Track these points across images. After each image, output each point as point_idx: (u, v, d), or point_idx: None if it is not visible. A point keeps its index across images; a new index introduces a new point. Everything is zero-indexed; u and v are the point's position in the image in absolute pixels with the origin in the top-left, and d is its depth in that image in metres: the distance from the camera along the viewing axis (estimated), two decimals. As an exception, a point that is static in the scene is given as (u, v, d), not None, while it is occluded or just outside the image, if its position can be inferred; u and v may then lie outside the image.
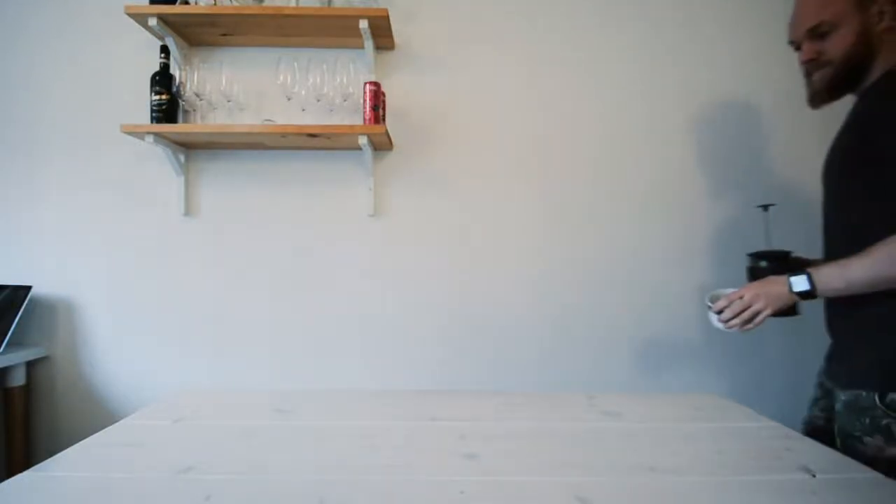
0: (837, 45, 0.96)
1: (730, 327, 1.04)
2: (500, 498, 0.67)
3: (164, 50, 1.57)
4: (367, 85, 1.53)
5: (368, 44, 1.59)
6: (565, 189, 1.71)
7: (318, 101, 1.55)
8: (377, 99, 1.53)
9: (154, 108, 1.54)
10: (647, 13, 1.72)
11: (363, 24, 1.50)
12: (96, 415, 1.65)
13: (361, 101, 1.53)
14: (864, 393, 0.91)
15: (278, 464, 0.77)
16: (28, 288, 1.59)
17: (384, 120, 1.57)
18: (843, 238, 0.98)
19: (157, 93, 1.54)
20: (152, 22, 1.49)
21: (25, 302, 1.57)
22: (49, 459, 0.78)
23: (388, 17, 1.51)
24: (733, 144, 1.71)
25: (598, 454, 0.82)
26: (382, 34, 1.59)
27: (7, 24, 1.67)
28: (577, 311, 1.70)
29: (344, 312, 1.69)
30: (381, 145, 1.65)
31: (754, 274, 1.22)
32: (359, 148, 1.57)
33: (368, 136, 1.52)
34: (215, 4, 1.54)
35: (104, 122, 1.64)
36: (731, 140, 1.71)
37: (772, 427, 0.96)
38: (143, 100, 1.60)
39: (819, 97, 1.02)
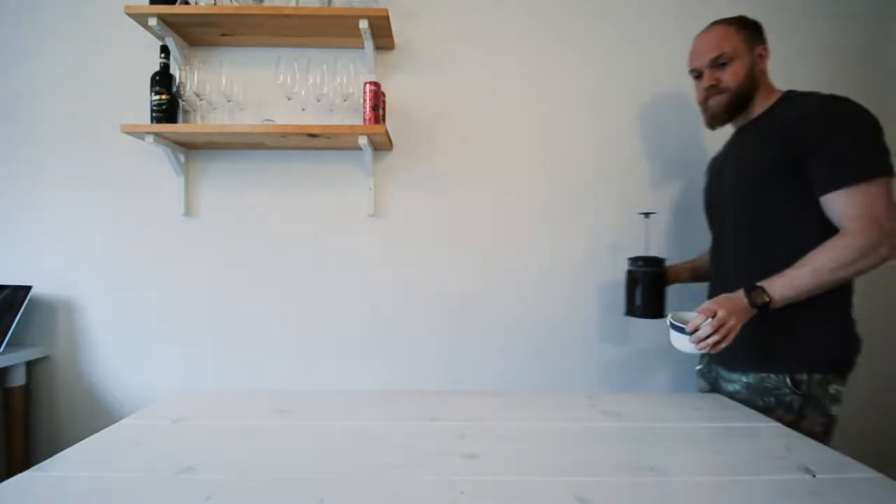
0: (733, 76, 1.14)
1: (702, 347, 1.01)
2: (500, 498, 0.67)
3: (164, 50, 1.57)
4: (367, 85, 1.53)
5: (368, 44, 1.59)
6: (566, 189, 1.71)
7: (318, 101, 1.55)
8: (377, 99, 1.53)
9: (154, 108, 1.54)
10: (648, 13, 1.71)
11: (363, 24, 1.50)
12: (96, 415, 1.66)
13: (361, 101, 1.53)
14: (772, 375, 1.06)
15: (278, 464, 0.77)
16: (28, 288, 1.59)
17: (384, 120, 1.57)
18: (767, 242, 1.10)
19: (157, 93, 1.54)
20: (152, 22, 1.49)
21: (25, 302, 1.57)
22: (49, 459, 0.78)
23: (388, 17, 1.51)
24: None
25: (598, 454, 0.82)
26: (382, 34, 1.59)
27: (7, 24, 1.67)
28: (576, 310, 1.70)
29: (344, 312, 1.69)
30: (381, 145, 1.65)
31: (633, 277, 1.44)
32: (359, 148, 1.57)
33: (368, 136, 1.52)
34: (215, 4, 1.54)
35: (104, 122, 1.64)
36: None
37: (772, 427, 0.96)
38: (143, 100, 1.60)
39: (718, 119, 1.21)
